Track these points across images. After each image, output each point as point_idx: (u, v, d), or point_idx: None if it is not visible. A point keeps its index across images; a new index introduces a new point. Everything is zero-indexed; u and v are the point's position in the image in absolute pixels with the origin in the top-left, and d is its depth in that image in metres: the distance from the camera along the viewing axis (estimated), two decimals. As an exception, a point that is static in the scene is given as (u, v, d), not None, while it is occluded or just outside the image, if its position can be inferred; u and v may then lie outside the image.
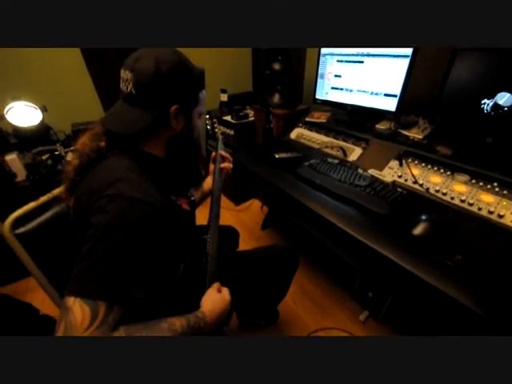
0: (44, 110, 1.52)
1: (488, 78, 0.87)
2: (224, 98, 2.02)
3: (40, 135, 1.56)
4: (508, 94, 0.83)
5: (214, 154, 0.89)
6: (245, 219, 1.99)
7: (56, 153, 1.52)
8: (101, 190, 0.48)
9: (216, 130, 0.98)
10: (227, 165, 0.88)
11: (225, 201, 2.15)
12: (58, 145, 1.55)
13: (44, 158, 1.50)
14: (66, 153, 1.53)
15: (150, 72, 0.51)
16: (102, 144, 0.56)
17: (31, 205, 0.68)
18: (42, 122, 1.54)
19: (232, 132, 1.85)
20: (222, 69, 2.19)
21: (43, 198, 0.70)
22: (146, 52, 0.53)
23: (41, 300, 1.19)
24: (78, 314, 0.40)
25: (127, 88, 0.52)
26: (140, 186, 0.50)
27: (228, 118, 1.89)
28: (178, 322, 0.50)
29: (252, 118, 1.84)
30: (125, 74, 0.53)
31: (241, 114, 1.81)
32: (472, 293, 0.57)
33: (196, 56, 0.61)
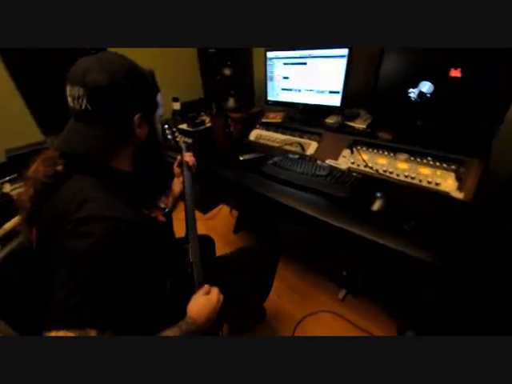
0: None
1: (411, 69, 1.03)
2: (177, 106, 1.98)
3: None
4: (428, 83, 0.99)
5: (179, 157, 0.89)
6: (215, 226, 1.98)
7: (-11, 185, 1.33)
8: (68, 214, 0.45)
9: (177, 140, 0.97)
10: (192, 159, 0.90)
11: (192, 211, 2.10)
12: (-10, 176, 1.36)
13: (-26, 193, 1.30)
14: (3, 184, 1.35)
15: (104, 84, 0.48)
16: (59, 168, 0.53)
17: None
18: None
19: (190, 140, 1.82)
20: (171, 78, 2.15)
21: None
22: (90, 62, 0.50)
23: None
24: None
25: (81, 105, 0.49)
26: (109, 204, 0.48)
27: (184, 126, 1.86)
28: (171, 333, 0.50)
29: (209, 124, 1.84)
30: (74, 91, 0.49)
31: (197, 121, 1.80)
32: (427, 248, 0.67)
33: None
